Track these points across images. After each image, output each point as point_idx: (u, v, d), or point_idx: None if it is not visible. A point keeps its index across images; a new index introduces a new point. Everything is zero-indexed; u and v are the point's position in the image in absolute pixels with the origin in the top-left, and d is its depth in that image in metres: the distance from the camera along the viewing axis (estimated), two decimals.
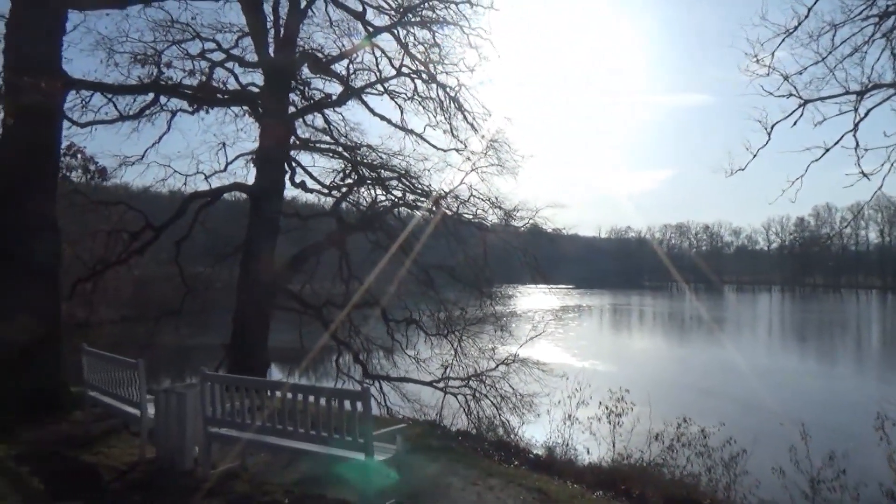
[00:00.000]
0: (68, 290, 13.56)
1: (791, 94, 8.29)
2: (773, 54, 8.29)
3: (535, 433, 12.82)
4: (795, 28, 8.00)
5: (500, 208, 16.77)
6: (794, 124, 8.40)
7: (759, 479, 9.43)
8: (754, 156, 8.59)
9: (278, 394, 6.18)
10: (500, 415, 14.98)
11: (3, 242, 9.35)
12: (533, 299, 37.44)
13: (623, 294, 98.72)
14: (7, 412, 8.51)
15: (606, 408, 10.91)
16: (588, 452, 10.94)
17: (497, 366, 15.97)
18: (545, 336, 18.99)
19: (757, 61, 8.35)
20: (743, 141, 9.99)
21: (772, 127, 8.44)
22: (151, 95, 14.85)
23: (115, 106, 14.57)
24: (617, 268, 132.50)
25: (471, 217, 16.80)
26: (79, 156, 11.86)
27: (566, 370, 14.22)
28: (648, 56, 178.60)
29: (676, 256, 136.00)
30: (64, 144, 10.92)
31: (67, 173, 12.51)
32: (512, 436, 13.31)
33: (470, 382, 15.66)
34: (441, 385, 15.74)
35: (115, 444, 7.61)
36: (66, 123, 11.99)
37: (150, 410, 7.08)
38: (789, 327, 56.18)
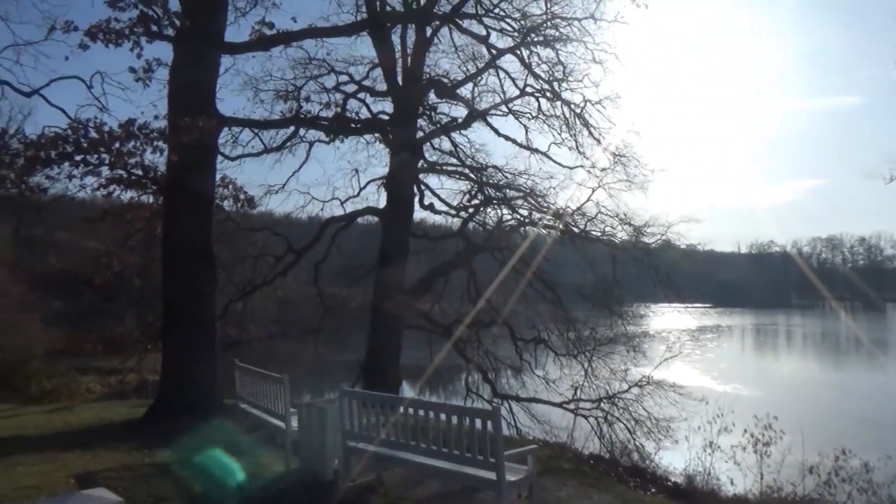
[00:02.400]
0: (221, 310, 14.74)
1: None
2: None
3: (673, 460, 12.16)
4: None
5: (630, 224, 16.31)
6: None
7: None
8: None
9: (411, 410, 6.32)
10: (633, 439, 14.38)
11: (169, 266, 10.39)
12: (667, 319, 35.83)
13: (766, 313, 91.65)
14: (171, 421, 9.38)
15: (752, 436, 10.11)
16: (732, 483, 10.19)
17: (630, 388, 15.37)
18: (681, 357, 18.03)
19: None
20: None
21: None
22: (292, 128, 15.99)
23: (261, 139, 15.91)
24: (759, 285, 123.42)
25: (599, 234, 16.46)
26: (230, 186, 12.96)
27: (705, 394, 13.41)
28: (789, 60, 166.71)
29: (827, 272, 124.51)
30: (218, 177, 11.95)
31: (220, 203, 13.69)
32: (647, 462, 12.73)
33: (602, 404, 15.17)
34: (571, 406, 15.38)
35: (263, 454, 8.11)
36: (219, 157, 13.19)
37: (294, 423, 7.49)
38: None
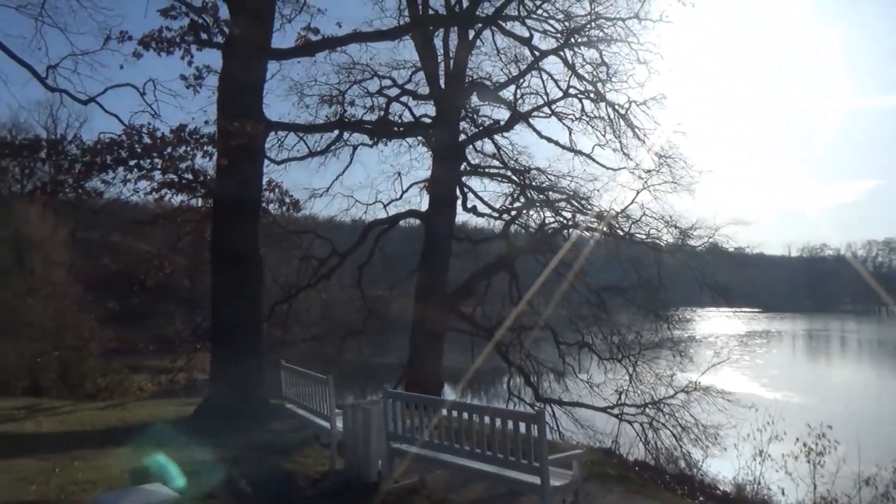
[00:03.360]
0: (267, 311, 15.01)
1: None
2: None
3: (722, 468, 11.87)
4: None
5: (676, 227, 16.03)
6: None
7: None
8: None
9: (455, 413, 6.32)
10: (680, 446, 14.09)
11: (218, 268, 10.64)
12: (714, 323, 34.99)
13: (819, 318, 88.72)
14: (219, 420, 9.60)
15: (805, 445, 9.78)
16: (784, 493, 9.89)
17: (676, 393, 15.09)
18: (729, 363, 17.60)
19: None
20: None
21: None
22: (336, 132, 16.21)
23: (306, 143, 16.19)
24: (811, 289, 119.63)
25: (644, 237, 16.20)
26: (276, 190, 13.20)
27: (755, 401, 13.10)
28: (844, 56, 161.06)
29: (885, 276, 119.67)
30: (264, 180, 12.18)
31: (266, 206, 13.95)
32: (694, 469, 12.45)
33: (647, 410, 14.92)
34: (616, 412, 15.16)
35: (309, 454, 8.23)
36: (265, 162, 13.44)
37: (339, 423, 7.57)
38: None
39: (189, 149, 9.58)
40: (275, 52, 11.74)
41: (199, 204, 12.97)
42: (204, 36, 10.21)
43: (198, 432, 9.05)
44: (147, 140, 9.25)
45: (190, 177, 10.70)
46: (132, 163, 9.46)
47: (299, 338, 19.29)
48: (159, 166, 9.77)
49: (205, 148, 9.77)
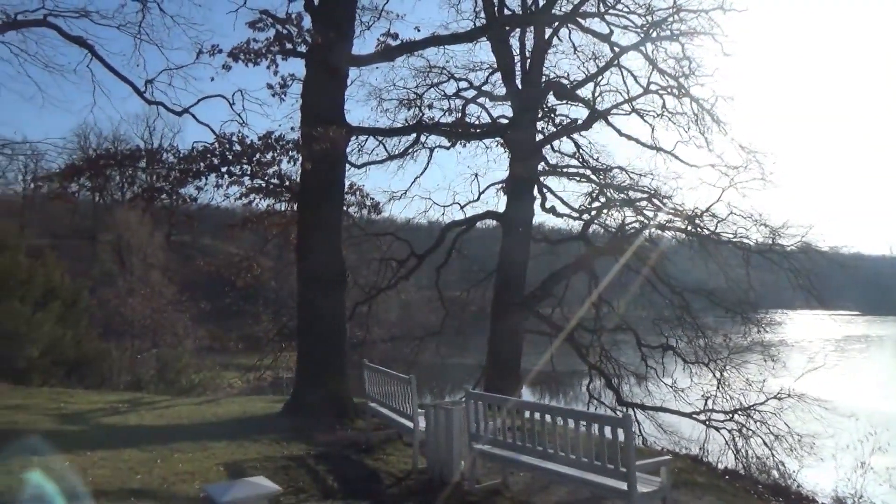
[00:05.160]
0: (349, 312, 15.39)
1: None
2: None
3: (819, 480, 11.24)
4: None
5: (765, 225, 15.24)
6: None
7: None
8: None
9: (538, 415, 6.28)
10: (773, 455, 13.41)
11: (303, 270, 11.00)
12: (807, 327, 33.19)
13: None
14: (305, 417, 9.92)
15: None
16: None
17: (767, 400, 14.34)
18: (826, 369, 16.61)
19: None
20: None
21: None
22: (414, 135, 16.43)
23: (385, 147, 16.50)
24: None
25: (730, 236, 15.52)
26: (358, 193, 13.53)
27: (855, 410, 12.32)
28: None
29: None
30: (346, 184, 12.49)
31: (348, 209, 14.31)
32: (789, 480, 11.84)
33: (736, 416, 14.28)
34: (702, 417, 14.59)
35: (392, 452, 8.38)
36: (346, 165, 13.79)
37: (421, 423, 7.66)
38: None
39: (276, 155, 9.97)
40: (356, 58, 12.02)
41: (284, 208, 13.49)
42: (288, 46, 10.57)
43: (286, 428, 9.39)
44: (237, 147, 9.68)
45: (276, 182, 11.14)
46: (223, 169, 9.93)
47: (379, 338, 19.66)
48: (249, 172, 10.22)
49: (290, 153, 10.13)
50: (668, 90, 16.22)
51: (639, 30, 15.70)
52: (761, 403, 14.30)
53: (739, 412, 14.29)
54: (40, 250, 21.65)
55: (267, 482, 4.73)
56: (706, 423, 14.48)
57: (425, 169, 17.72)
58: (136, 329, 24.71)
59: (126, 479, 6.47)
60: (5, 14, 11.88)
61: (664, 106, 16.40)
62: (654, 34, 15.45)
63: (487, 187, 18.01)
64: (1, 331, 15.37)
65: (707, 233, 15.51)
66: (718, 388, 14.83)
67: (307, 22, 10.93)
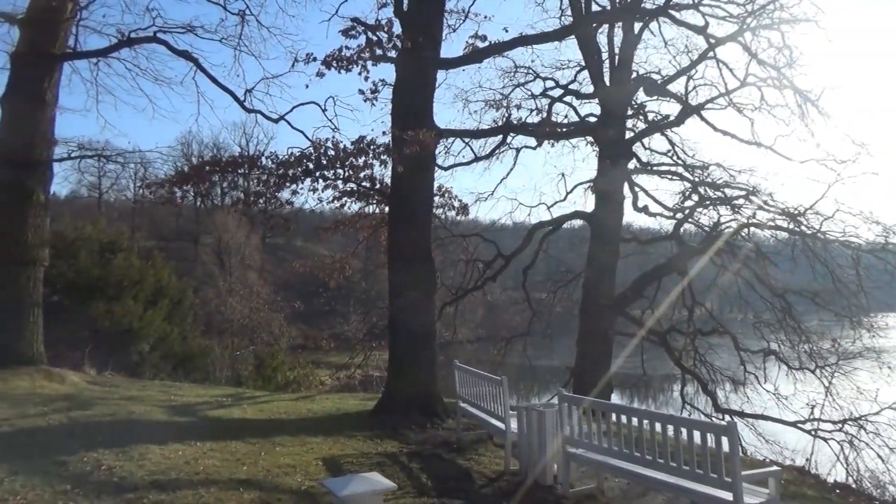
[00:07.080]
0: (437, 312, 15.56)
1: None
2: None
3: None
4: None
5: (877, 223, 14.19)
6: None
7: None
8: None
9: (634, 420, 6.13)
10: (888, 469, 12.48)
11: (394, 270, 11.22)
12: None
13: None
14: (397, 415, 10.10)
15: None
16: None
17: (881, 410, 13.37)
18: None
19: None
20: None
21: None
22: (500, 136, 16.41)
23: (471, 148, 16.57)
24: None
25: (838, 234, 14.54)
26: (446, 195, 13.64)
27: None
28: None
29: None
30: (435, 186, 12.64)
31: (436, 211, 14.48)
32: None
33: (845, 427, 13.38)
34: (808, 427, 13.77)
35: (483, 452, 8.41)
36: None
37: (513, 425, 7.65)
38: None
39: (368, 159, 10.22)
40: (444, 61, 12.14)
41: (374, 210, 13.80)
42: (379, 52, 10.82)
43: (379, 426, 9.60)
44: (332, 152, 9.99)
45: (368, 185, 11.43)
46: (319, 174, 10.28)
47: (465, 339, 19.78)
48: (342, 176, 10.53)
49: (381, 157, 10.36)
50: (766, 82, 15.41)
51: (735, 19, 15.00)
52: (875, 413, 13.34)
53: (850, 422, 13.38)
54: (149, 252, 23.17)
55: (382, 479, 4.86)
56: (813, 432, 13.64)
57: (511, 169, 17.62)
58: (235, 327, 26.02)
59: (234, 469, 6.82)
60: (120, 33, 12.83)
61: (763, 98, 15.61)
62: (753, 23, 14.72)
63: (575, 187, 17.78)
64: (118, 327, 16.58)
65: (811, 231, 14.62)
66: (827, 395, 13.94)
67: (397, 27, 11.16)
